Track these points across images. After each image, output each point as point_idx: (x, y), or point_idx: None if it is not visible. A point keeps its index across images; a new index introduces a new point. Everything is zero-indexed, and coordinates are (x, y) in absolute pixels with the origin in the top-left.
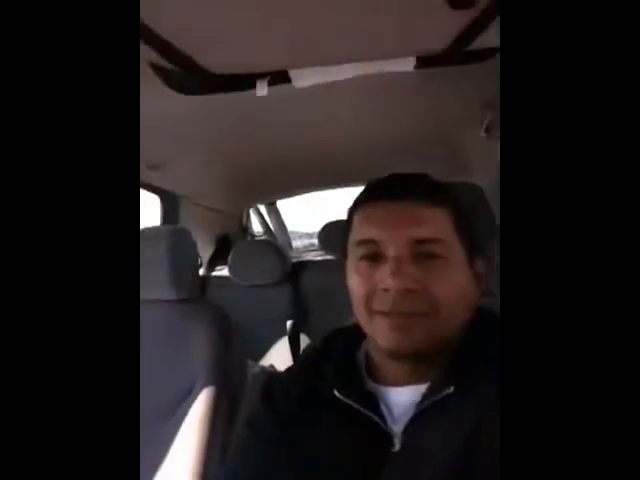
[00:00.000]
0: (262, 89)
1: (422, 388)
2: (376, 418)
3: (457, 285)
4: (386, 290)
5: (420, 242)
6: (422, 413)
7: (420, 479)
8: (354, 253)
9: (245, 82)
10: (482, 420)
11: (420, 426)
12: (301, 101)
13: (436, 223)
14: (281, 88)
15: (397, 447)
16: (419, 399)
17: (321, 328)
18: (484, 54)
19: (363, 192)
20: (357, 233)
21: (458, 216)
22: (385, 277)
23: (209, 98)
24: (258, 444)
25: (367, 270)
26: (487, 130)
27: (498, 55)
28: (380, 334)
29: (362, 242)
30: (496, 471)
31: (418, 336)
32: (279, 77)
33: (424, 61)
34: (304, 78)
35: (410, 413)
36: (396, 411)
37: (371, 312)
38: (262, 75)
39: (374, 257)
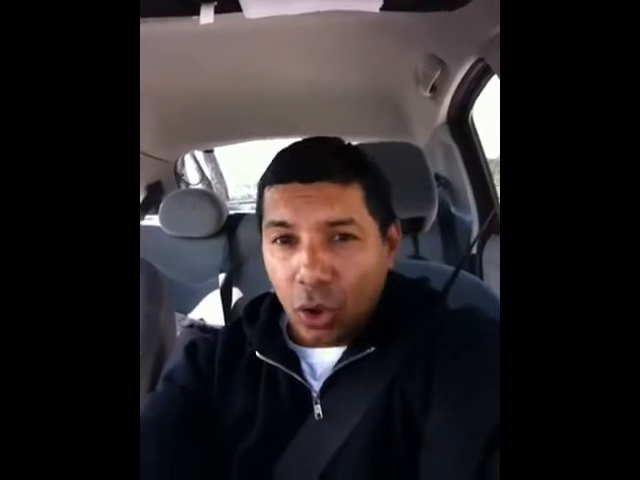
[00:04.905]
0: (207, 15)
1: (344, 349)
2: (295, 375)
3: (371, 266)
4: (302, 282)
5: (333, 224)
6: (341, 371)
7: (336, 442)
8: (267, 233)
9: (187, 6)
10: (395, 379)
11: (339, 385)
12: (246, 38)
13: (348, 202)
14: (228, 18)
15: (317, 408)
16: (339, 357)
17: (255, 283)
18: (454, 3)
19: (271, 170)
20: (269, 213)
21: (370, 188)
22: (300, 267)
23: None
24: (177, 395)
25: (282, 254)
26: (433, 89)
27: (468, 5)
28: (300, 327)
29: (274, 224)
30: (411, 430)
31: (336, 330)
32: (228, 4)
33: (391, 2)
34: (257, 7)
35: (331, 372)
36: (318, 369)
37: (292, 307)
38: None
39: (288, 240)
